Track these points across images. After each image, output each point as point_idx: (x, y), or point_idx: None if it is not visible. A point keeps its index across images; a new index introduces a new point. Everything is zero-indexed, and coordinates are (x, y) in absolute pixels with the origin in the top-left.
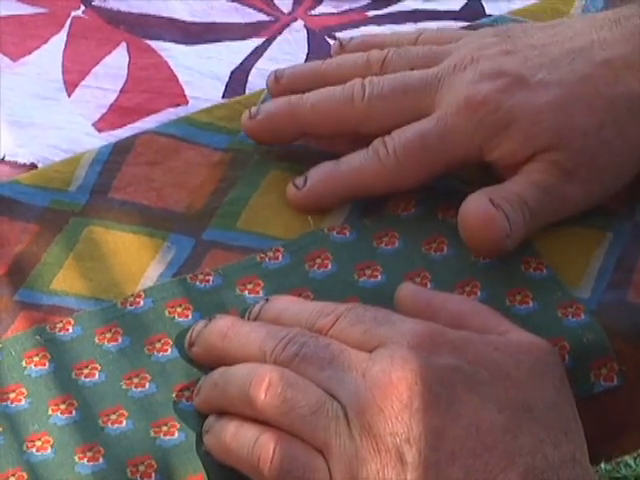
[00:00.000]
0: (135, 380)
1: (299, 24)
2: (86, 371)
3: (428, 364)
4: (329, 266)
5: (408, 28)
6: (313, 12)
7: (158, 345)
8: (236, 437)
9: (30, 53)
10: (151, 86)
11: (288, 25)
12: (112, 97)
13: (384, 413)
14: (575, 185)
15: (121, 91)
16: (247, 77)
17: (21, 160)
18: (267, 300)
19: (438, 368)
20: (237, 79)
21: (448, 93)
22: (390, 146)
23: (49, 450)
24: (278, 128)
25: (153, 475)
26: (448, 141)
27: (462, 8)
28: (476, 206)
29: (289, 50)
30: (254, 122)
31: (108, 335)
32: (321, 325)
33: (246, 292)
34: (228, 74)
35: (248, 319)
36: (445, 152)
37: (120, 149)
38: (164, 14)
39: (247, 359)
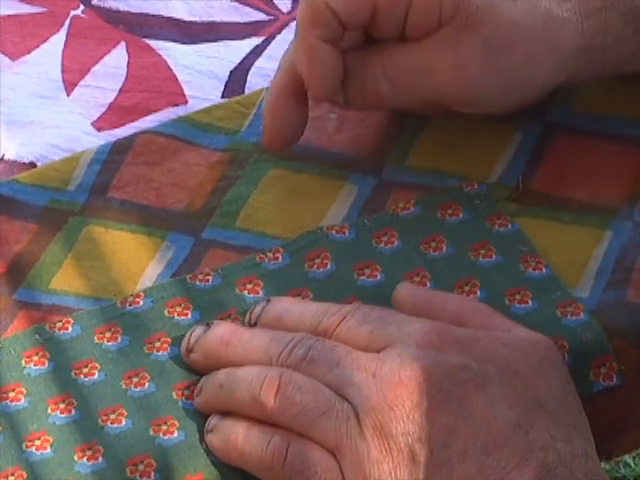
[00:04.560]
0: (134, 379)
1: None
2: (85, 370)
3: (437, 362)
4: (328, 266)
5: None
6: None
7: (157, 344)
8: (248, 439)
9: (29, 52)
10: (150, 85)
11: (287, 24)
12: (111, 96)
13: (395, 413)
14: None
15: (120, 90)
16: (246, 76)
17: (20, 159)
18: (268, 301)
19: (447, 366)
20: (236, 78)
21: None
22: None
23: (48, 449)
24: None
25: (152, 474)
26: None
27: None
28: None
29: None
30: None
31: (107, 334)
32: (327, 325)
33: (246, 292)
34: (227, 73)
35: (249, 320)
36: None
37: (119, 148)
38: (163, 13)
39: (252, 365)
